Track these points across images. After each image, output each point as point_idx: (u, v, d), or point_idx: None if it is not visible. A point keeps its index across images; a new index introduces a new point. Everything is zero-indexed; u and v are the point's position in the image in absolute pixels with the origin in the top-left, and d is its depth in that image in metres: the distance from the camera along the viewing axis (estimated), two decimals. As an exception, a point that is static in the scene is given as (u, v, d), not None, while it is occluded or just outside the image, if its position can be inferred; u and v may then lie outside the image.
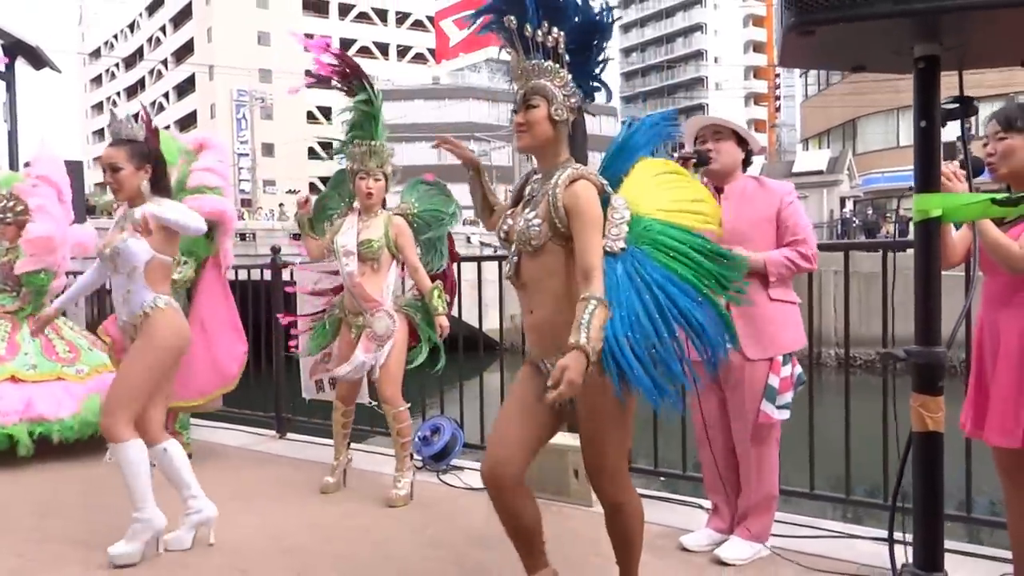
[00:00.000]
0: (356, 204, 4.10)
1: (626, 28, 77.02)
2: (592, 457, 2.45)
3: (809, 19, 1.29)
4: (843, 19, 1.27)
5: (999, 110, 2.50)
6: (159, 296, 3.27)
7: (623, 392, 2.24)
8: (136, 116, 3.37)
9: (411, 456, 4.17)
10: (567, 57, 2.36)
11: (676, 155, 3.14)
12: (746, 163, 3.30)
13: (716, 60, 68.84)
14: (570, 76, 2.37)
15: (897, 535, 2.09)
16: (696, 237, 2.43)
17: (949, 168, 2.25)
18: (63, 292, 6.08)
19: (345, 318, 4.11)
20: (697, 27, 71.12)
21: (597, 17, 2.38)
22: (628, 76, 76.70)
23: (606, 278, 2.25)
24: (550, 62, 2.35)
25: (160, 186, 3.33)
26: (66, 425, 4.89)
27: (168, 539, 3.36)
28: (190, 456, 4.95)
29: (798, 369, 3.20)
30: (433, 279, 4.12)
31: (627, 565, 2.56)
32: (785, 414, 3.12)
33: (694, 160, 3.12)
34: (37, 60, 9.05)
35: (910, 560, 1.78)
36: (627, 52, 77.32)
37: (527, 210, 2.40)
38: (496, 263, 4.87)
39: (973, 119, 1.74)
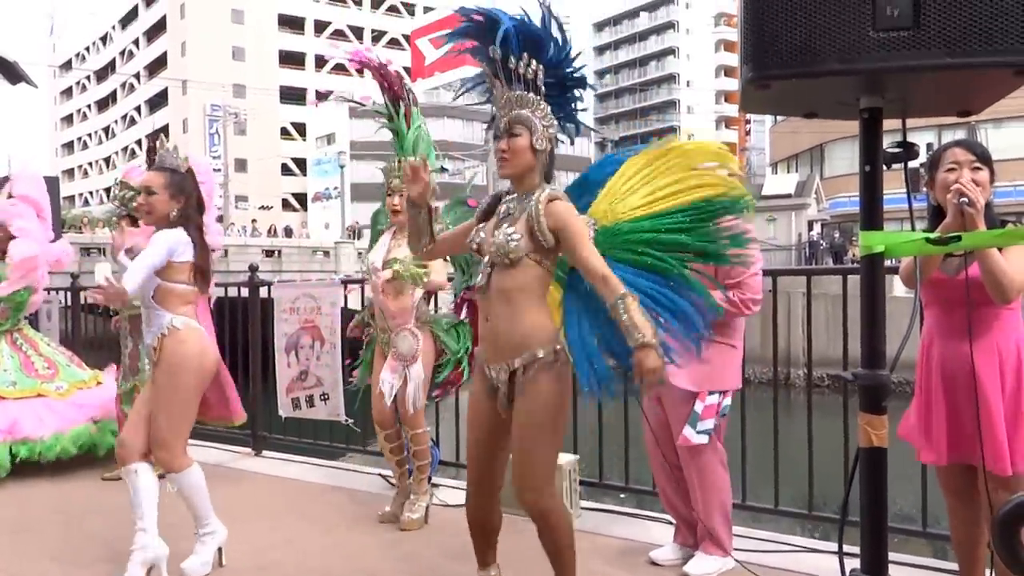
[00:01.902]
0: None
1: (600, 50, 77.85)
2: (523, 465, 2.52)
3: (765, 74, 1.43)
4: (795, 75, 1.41)
5: (964, 140, 2.58)
6: (176, 317, 3.31)
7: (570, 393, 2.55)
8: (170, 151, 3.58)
9: (428, 479, 4.14)
10: (543, 89, 2.54)
11: None
12: None
13: (688, 84, 69.82)
14: (549, 108, 2.55)
15: (855, 549, 2.23)
16: (670, 216, 2.60)
17: (965, 179, 2.35)
18: (36, 310, 6.12)
19: (379, 336, 4.09)
20: (670, 51, 72.11)
21: (571, 58, 2.60)
22: (601, 98, 77.44)
23: (573, 293, 2.56)
24: (531, 94, 2.53)
25: (185, 216, 3.39)
26: (46, 445, 4.88)
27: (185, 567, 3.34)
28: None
29: (727, 400, 3.27)
30: (463, 301, 4.13)
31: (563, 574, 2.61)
32: (703, 439, 3.20)
33: None
34: (13, 75, 9.01)
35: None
36: (601, 74, 78.07)
37: (505, 225, 2.53)
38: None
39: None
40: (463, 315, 4.16)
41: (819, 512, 3.78)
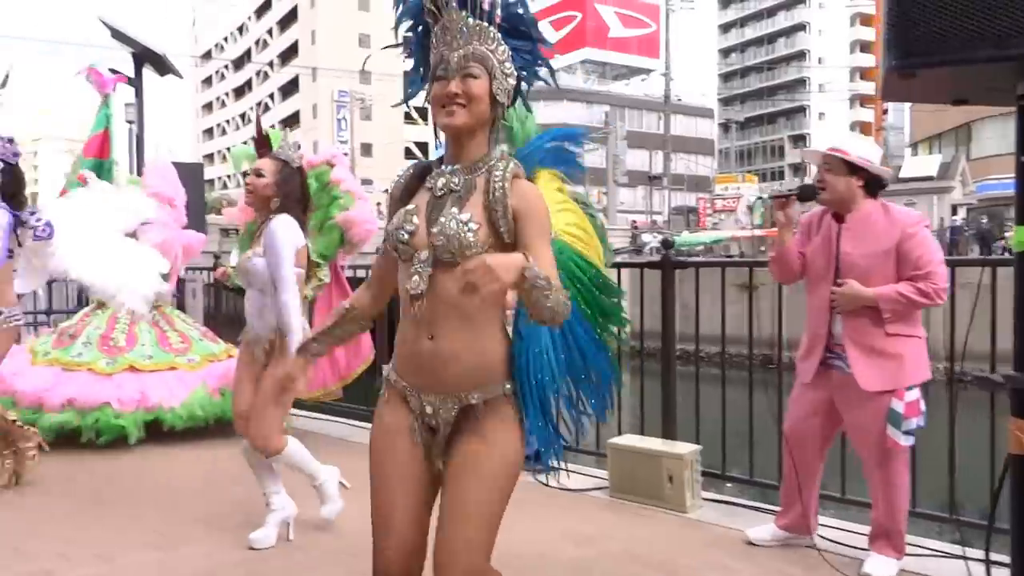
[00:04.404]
0: None
1: (725, 28, 75.62)
2: (467, 534, 1.82)
3: (910, 62, 1.36)
4: (945, 63, 1.33)
5: None
6: None
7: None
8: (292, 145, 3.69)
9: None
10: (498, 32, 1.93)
11: (773, 195, 3.13)
12: (875, 187, 3.17)
13: (820, 61, 66.81)
14: (509, 52, 1.93)
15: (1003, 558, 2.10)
16: (592, 267, 2.27)
17: None
18: (176, 292, 6.56)
19: None
20: (800, 27, 69.19)
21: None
22: (726, 77, 75.29)
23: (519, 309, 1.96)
24: (491, 28, 1.90)
25: (285, 208, 3.48)
26: (176, 414, 5.24)
27: (253, 537, 3.47)
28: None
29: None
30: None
31: None
32: (911, 440, 3.05)
33: (795, 195, 3.10)
34: (162, 67, 9.58)
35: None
36: (725, 53, 75.89)
37: (453, 209, 1.87)
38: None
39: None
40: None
41: (962, 516, 3.56)
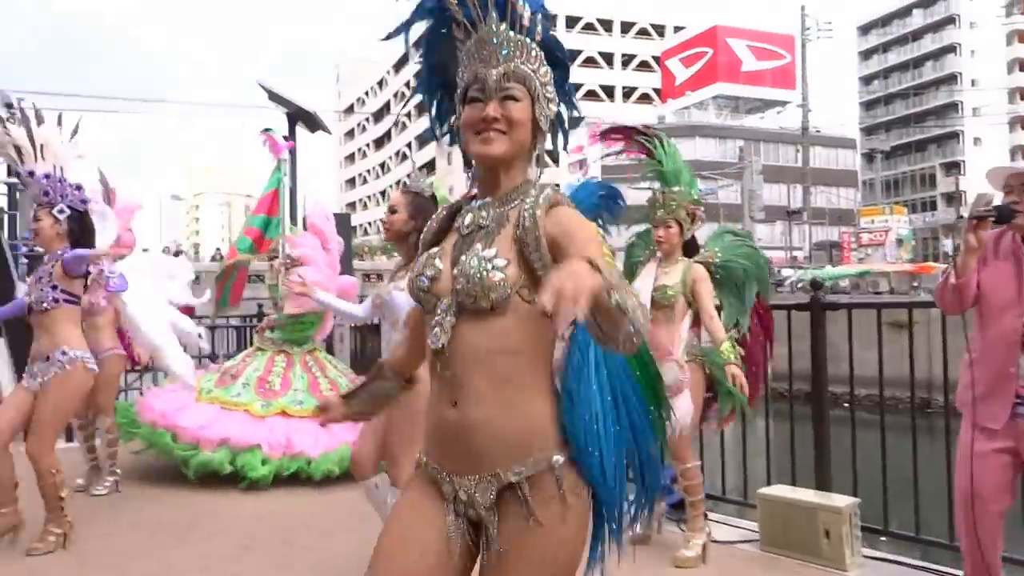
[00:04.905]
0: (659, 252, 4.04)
1: (866, 55, 72.78)
2: None
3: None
4: None
5: None
6: None
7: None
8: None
9: (704, 516, 3.98)
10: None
11: (973, 214, 2.88)
12: None
13: (973, 83, 63.00)
14: (551, 74, 1.71)
15: None
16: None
17: None
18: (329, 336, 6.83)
19: None
20: (950, 48, 65.61)
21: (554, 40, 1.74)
22: (868, 105, 72.21)
23: (577, 348, 1.66)
24: (534, 44, 1.68)
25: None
26: (316, 466, 5.38)
27: None
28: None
29: None
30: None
31: None
32: None
33: (993, 218, 2.77)
34: (313, 124, 10.19)
35: None
36: (867, 80, 72.89)
37: (478, 246, 1.63)
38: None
39: None
40: None
41: None
